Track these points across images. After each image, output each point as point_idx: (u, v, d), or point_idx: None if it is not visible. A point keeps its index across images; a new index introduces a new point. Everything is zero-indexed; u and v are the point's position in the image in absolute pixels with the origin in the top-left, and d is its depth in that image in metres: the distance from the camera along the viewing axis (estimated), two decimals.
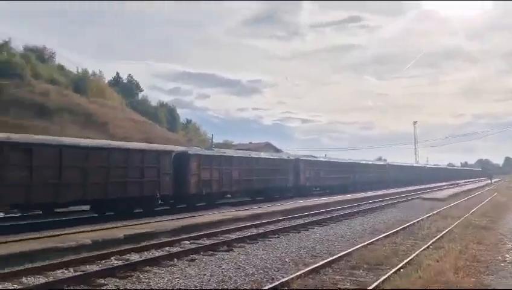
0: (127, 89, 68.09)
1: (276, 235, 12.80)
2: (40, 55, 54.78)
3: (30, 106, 40.26)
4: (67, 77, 54.33)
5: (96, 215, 16.74)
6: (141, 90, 74.29)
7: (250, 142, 64.79)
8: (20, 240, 10.82)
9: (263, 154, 29.99)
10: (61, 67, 56.92)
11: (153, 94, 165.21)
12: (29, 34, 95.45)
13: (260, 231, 13.37)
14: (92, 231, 12.31)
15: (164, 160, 18.40)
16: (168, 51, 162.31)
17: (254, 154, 27.70)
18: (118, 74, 72.17)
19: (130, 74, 73.72)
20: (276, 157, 30.87)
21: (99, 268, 8.25)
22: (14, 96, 40.29)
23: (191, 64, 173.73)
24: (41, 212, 15.48)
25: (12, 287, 6.95)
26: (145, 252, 9.94)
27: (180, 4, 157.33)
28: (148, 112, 62.78)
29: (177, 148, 21.90)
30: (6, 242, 10.37)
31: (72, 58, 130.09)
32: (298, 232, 13.46)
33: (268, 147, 60.67)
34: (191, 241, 11.53)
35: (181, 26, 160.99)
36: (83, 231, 12.20)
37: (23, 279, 7.42)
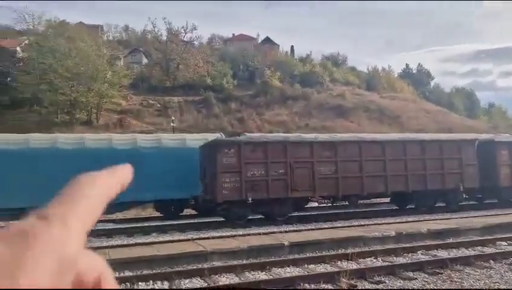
0: (417, 79, 66.40)
1: None
2: (334, 61, 60.68)
3: (330, 108, 45.12)
4: (359, 76, 57.85)
5: (397, 208, 16.99)
6: (432, 78, 70.91)
7: None
8: (330, 228, 12.23)
9: None
10: (353, 69, 61.21)
11: (446, 80, 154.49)
12: (324, 45, 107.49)
13: None
14: (394, 223, 12.54)
15: (466, 150, 16.74)
16: (457, 32, 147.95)
17: None
18: (407, 65, 71.55)
19: (419, 64, 71.69)
20: None
21: (406, 261, 8.25)
22: (316, 101, 46.17)
23: (487, 40, 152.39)
24: (347, 203, 16.94)
25: (330, 269, 7.84)
26: (454, 250, 9.26)
27: None
28: (442, 100, 59.11)
29: (481, 137, 19.51)
30: (319, 229, 11.95)
31: (362, 58, 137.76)
32: None
33: None
34: (509, 242, 9.96)
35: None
36: (385, 223, 12.61)
37: (338, 262, 8.25)
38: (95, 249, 9.37)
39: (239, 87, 47.43)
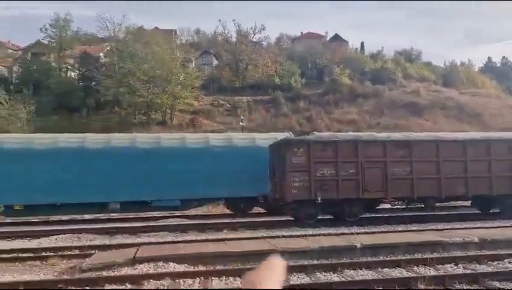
0: (501, 73, 61.37)
1: None
2: (408, 56, 57.94)
3: (403, 105, 43.13)
4: (435, 71, 54.70)
5: (479, 212, 15.82)
6: None
7: None
8: (404, 231, 11.69)
9: None
10: (428, 64, 58.02)
11: None
12: (397, 40, 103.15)
13: None
14: (475, 228, 11.68)
15: None
16: None
17: None
18: (489, 58, 66.37)
19: (504, 56, 66.19)
20: None
21: (491, 270, 7.63)
22: (388, 98, 44.39)
23: None
24: (423, 205, 16.08)
25: (406, 274, 7.49)
26: None
27: None
28: None
29: None
30: (392, 231, 11.47)
31: (438, 52, 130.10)
32: None
33: None
34: None
35: None
36: (465, 228, 11.78)
37: (415, 267, 7.83)
38: (172, 243, 9.84)
39: (307, 86, 47.07)
